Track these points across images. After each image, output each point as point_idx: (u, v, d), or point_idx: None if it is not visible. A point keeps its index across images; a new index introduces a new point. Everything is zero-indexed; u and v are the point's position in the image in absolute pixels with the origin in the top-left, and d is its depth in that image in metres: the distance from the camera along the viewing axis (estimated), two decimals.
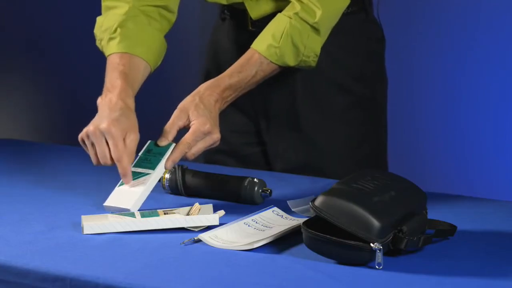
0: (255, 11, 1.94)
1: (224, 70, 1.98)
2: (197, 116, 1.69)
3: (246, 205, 1.70)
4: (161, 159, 1.67)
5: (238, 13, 1.99)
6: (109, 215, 1.56)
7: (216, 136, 1.70)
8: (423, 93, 3.22)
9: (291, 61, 1.83)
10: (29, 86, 3.85)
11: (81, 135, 1.68)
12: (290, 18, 1.82)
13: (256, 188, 1.70)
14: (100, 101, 1.74)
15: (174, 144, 1.68)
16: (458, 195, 1.81)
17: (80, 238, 1.50)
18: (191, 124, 1.69)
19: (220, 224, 1.53)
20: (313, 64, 1.86)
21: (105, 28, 1.87)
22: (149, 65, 1.87)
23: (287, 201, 1.65)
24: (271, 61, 1.82)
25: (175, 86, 3.41)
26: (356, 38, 2.01)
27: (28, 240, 1.48)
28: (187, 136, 1.68)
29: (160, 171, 1.67)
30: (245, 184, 1.70)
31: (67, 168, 2.02)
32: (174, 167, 1.77)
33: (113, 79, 1.77)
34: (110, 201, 1.64)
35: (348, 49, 2.00)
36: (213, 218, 1.53)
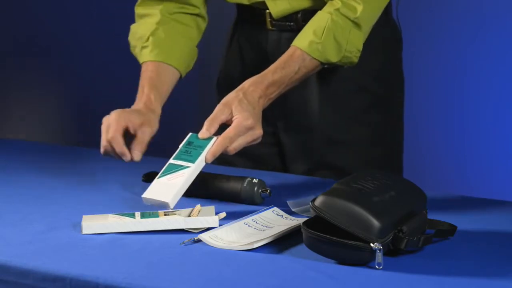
0: (277, 10, 1.94)
1: (243, 70, 2.01)
2: (240, 111, 1.69)
3: (246, 205, 1.70)
4: (201, 152, 1.65)
5: (257, 13, 1.99)
6: (109, 215, 1.56)
7: (258, 132, 1.70)
8: (422, 93, 3.21)
9: (333, 57, 1.82)
10: (39, 87, 3.85)
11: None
12: (331, 14, 1.81)
13: (255, 188, 1.70)
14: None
15: (215, 138, 1.67)
16: (458, 195, 1.81)
17: (80, 238, 1.49)
18: (233, 118, 1.69)
19: (220, 224, 1.53)
20: (355, 60, 1.85)
21: (138, 36, 1.98)
22: (178, 71, 1.96)
23: (287, 201, 1.65)
24: (313, 58, 1.81)
25: (193, 86, 3.40)
26: (375, 38, 1.99)
27: (28, 240, 1.48)
28: (229, 130, 1.67)
29: (200, 165, 1.65)
30: (245, 184, 1.70)
31: (68, 168, 2.02)
32: None
33: (142, 86, 1.90)
34: (148, 193, 1.62)
35: (366, 49, 1.98)
36: (213, 220, 1.53)
